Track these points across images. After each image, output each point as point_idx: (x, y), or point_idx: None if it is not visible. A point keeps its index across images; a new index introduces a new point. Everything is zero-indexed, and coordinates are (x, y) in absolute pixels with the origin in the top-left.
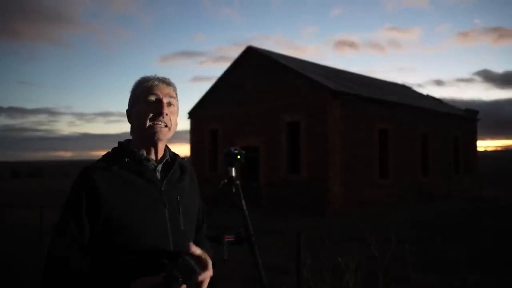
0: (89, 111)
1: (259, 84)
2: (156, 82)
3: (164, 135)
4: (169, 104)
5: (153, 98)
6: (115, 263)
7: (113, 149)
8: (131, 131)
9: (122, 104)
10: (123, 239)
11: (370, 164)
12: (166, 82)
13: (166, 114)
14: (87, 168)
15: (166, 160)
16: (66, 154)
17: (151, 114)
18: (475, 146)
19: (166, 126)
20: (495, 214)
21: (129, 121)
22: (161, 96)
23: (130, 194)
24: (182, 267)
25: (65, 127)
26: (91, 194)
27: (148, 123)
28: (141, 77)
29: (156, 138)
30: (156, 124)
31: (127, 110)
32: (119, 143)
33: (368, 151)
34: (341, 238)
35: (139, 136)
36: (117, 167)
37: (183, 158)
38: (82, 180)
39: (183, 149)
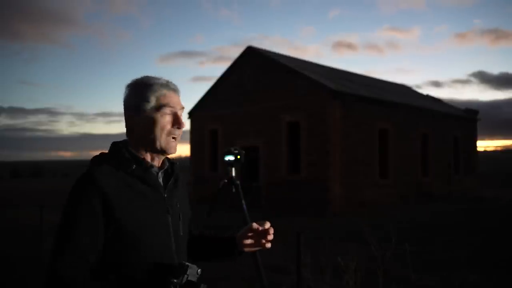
0: (89, 111)
1: (259, 84)
2: (168, 91)
3: (176, 148)
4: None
5: (168, 111)
6: (121, 272)
7: (114, 151)
8: (130, 134)
9: (122, 104)
10: (131, 247)
11: (370, 164)
12: (177, 90)
13: (184, 126)
14: (93, 173)
15: (166, 167)
16: (66, 154)
17: (168, 129)
18: (475, 146)
19: (178, 137)
20: (495, 214)
21: (132, 125)
22: (176, 108)
23: (137, 200)
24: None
25: (65, 127)
26: (104, 201)
27: (164, 138)
28: (146, 79)
29: (170, 153)
30: (173, 139)
31: (127, 115)
32: (116, 144)
33: (368, 151)
34: (341, 238)
35: (145, 146)
36: (122, 172)
37: (176, 163)
38: (91, 186)
39: (183, 149)
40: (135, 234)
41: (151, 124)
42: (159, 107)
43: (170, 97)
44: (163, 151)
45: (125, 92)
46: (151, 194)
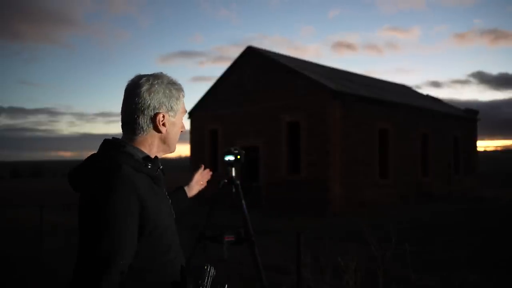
0: (89, 111)
1: (259, 84)
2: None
3: None
4: None
5: (184, 115)
6: (149, 277)
7: (119, 149)
8: (141, 132)
9: (138, 97)
10: (156, 249)
11: (370, 164)
12: None
13: None
14: (127, 174)
15: (162, 167)
16: (66, 154)
17: (180, 132)
18: (475, 146)
19: None
20: (495, 214)
21: (157, 123)
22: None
23: (157, 201)
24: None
25: (65, 127)
26: (141, 207)
27: (177, 140)
28: (175, 80)
29: (174, 151)
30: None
31: (159, 113)
32: (116, 142)
33: (368, 151)
34: (341, 238)
35: (162, 145)
36: (141, 172)
37: None
38: (131, 191)
39: (183, 149)
40: (163, 237)
41: (176, 126)
42: (183, 112)
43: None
44: (170, 152)
45: (152, 87)
46: (161, 193)
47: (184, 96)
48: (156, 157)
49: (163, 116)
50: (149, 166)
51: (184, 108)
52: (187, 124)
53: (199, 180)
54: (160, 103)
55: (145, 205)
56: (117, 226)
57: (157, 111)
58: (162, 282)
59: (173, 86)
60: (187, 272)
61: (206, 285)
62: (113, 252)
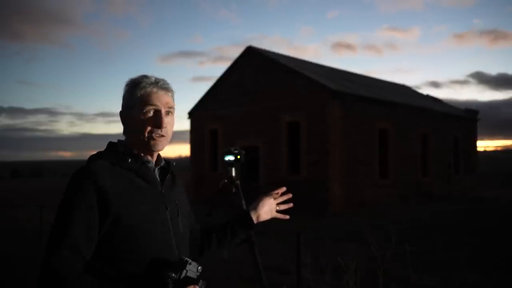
0: (88, 111)
1: (259, 84)
2: (155, 90)
3: (162, 145)
4: (167, 113)
5: (151, 109)
6: (118, 266)
7: (110, 148)
8: (124, 133)
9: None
10: (130, 241)
11: (370, 164)
12: (164, 88)
13: (165, 127)
14: (88, 168)
15: (162, 165)
16: (66, 154)
17: (150, 127)
18: (475, 146)
19: (163, 136)
20: (495, 214)
21: (123, 123)
22: (160, 107)
23: (135, 195)
24: (184, 279)
25: (65, 127)
26: (99, 194)
27: (146, 135)
28: (138, 78)
29: (154, 150)
30: (155, 136)
31: (120, 112)
32: (112, 142)
33: (368, 151)
34: (341, 238)
35: (136, 143)
36: (119, 166)
37: (172, 161)
38: (86, 179)
39: (183, 149)
40: (133, 227)
41: (135, 122)
42: (143, 106)
43: (156, 96)
44: (147, 148)
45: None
46: (148, 188)
47: (143, 90)
48: (138, 153)
49: (122, 114)
50: (129, 161)
51: (143, 99)
52: (186, 123)
53: (270, 203)
54: (122, 102)
55: (106, 198)
56: (68, 210)
57: (121, 110)
58: (128, 273)
59: (132, 84)
60: (165, 265)
61: (178, 277)
62: (62, 232)
